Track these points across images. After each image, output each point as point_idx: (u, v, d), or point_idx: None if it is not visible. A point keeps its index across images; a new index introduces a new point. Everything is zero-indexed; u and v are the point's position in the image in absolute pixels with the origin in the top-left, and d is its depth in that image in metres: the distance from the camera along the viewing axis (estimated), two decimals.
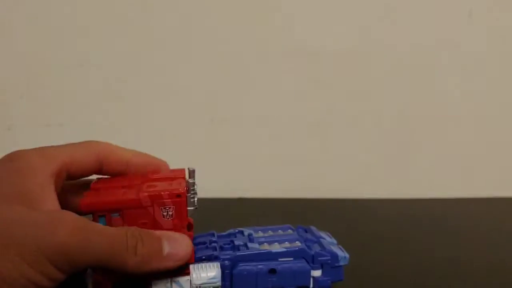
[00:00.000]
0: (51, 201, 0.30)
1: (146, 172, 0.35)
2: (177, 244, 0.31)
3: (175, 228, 0.32)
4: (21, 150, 0.32)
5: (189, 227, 0.32)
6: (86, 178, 0.35)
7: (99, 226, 0.29)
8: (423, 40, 0.70)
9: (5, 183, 0.29)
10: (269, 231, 0.38)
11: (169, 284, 0.32)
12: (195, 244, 0.34)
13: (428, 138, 0.74)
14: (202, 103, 0.72)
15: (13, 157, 0.31)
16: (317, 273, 0.35)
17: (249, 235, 0.37)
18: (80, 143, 0.34)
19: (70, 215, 0.29)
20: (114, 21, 0.69)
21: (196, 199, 0.33)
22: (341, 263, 0.35)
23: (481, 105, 0.73)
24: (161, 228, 0.32)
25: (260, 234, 0.37)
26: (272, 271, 0.34)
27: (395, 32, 0.70)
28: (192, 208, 0.33)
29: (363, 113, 0.73)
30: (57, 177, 0.31)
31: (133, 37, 0.69)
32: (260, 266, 0.34)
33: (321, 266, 0.35)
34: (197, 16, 0.69)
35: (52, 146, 0.33)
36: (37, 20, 0.69)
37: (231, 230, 0.38)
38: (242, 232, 0.37)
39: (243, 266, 0.34)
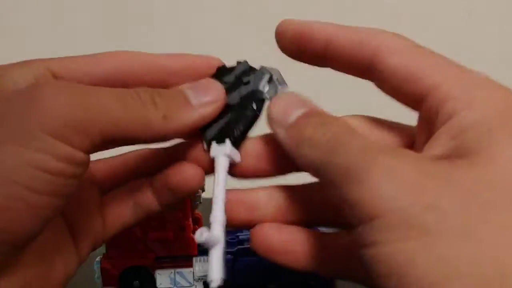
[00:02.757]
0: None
1: None
2: (205, 88, 0.24)
3: (179, 222, 0.32)
4: None
5: (197, 221, 0.33)
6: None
7: (96, 87, 0.22)
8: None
9: None
10: None
11: (172, 275, 0.33)
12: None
13: None
14: None
15: None
16: None
17: None
18: (87, 55, 0.25)
19: (54, 83, 0.23)
20: None
21: (201, 194, 0.34)
22: None
23: None
24: (166, 223, 0.32)
25: None
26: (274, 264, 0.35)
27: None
28: (196, 203, 0.34)
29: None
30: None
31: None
32: (262, 260, 0.34)
33: None
34: None
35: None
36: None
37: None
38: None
39: (245, 260, 0.34)
